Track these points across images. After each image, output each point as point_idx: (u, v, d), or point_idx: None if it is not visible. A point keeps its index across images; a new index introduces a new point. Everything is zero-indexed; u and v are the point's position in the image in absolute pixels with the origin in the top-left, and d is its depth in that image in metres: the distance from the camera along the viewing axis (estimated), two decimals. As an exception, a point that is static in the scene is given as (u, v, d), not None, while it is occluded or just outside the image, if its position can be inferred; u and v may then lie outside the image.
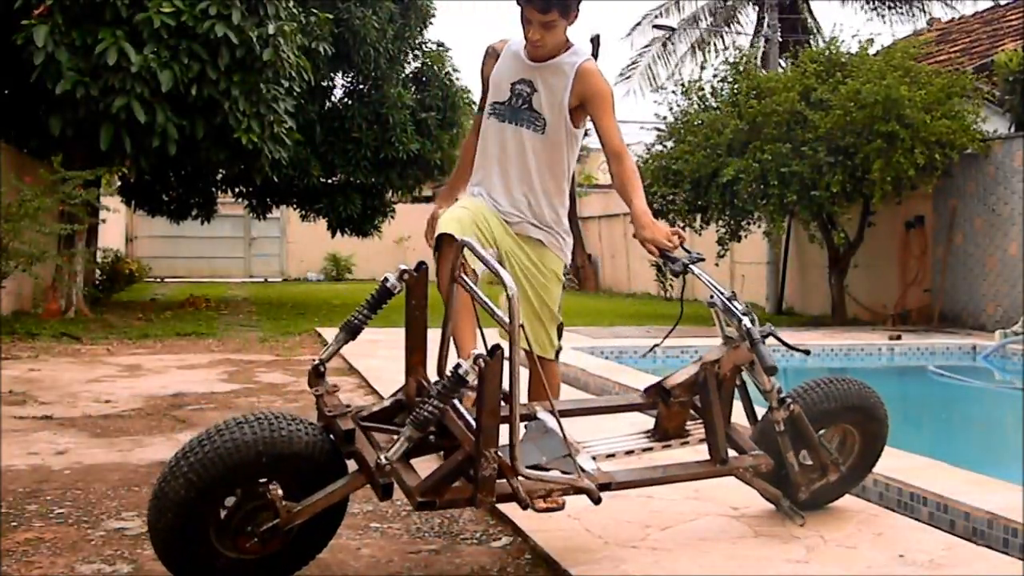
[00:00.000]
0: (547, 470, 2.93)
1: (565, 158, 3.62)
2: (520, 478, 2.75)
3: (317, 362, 3.01)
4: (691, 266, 3.16)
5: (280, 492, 2.67)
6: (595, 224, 23.45)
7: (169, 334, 10.44)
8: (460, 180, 3.80)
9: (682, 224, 12.95)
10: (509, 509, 3.57)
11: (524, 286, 3.55)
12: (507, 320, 2.71)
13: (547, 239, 3.62)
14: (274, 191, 16.43)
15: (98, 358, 8.36)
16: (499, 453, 2.68)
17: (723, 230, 12.77)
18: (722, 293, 3.17)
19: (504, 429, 2.71)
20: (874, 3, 23.28)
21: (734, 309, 3.13)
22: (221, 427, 2.70)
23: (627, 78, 24.75)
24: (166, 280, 23.57)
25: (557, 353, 3.71)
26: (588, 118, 3.60)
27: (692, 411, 3.36)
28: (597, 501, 2.87)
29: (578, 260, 22.06)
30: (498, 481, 2.72)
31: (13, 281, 10.65)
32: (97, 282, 15.09)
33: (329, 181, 16.19)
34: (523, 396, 3.30)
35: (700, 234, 13.26)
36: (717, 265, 14.41)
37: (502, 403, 2.68)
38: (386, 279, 2.98)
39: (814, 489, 3.47)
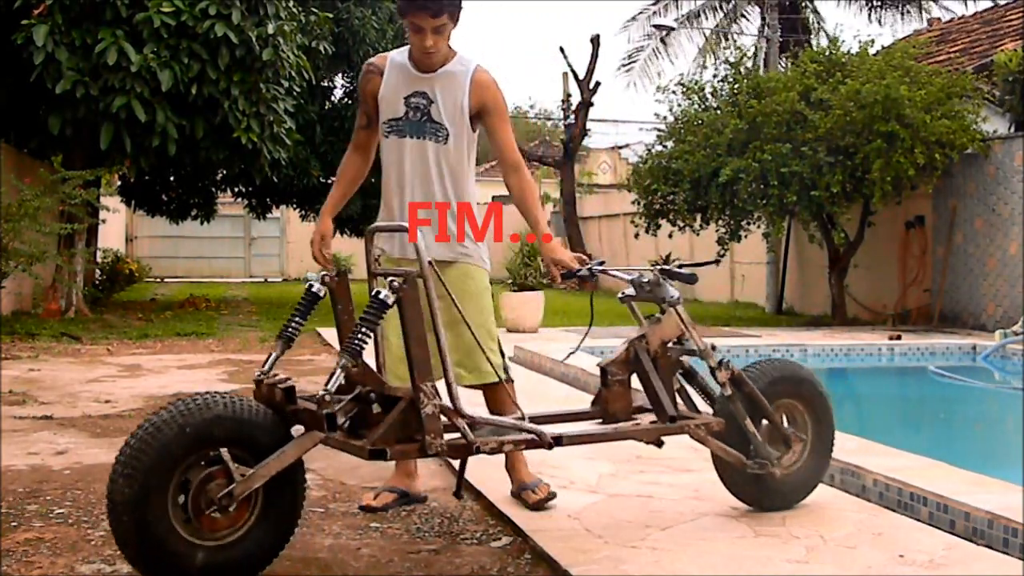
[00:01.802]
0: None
1: (468, 164, 3.62)
2: (466, 423, 2.86)
3: (259, 374, 2.99)
4: (596, 269, 3.41)
5: (228, 455, 2.72)
6: (595, 224, 23.44)
7: (169, 334, 10.44)
8: (339, 197, 3.80)
9: (682, 223, 12.95)
10: (509, 509, 3.58)
11: (451, 321, 3.30)
12: (419, 269, 2.88)
13: (463, 254, 3.60)
14: (274, 191, 16.43)
15: (98, 358, 8.36)
16: (439, 399, 2.79)
17: (723, 230, 12.75)
18: (630, 280, 3.43)
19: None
20: (872, 4, 23.29)
21: (642, 279, 3.40)
22: (142, 423, 2.75)
23: (628, 70, 24.72)
24: (166, 280, 23.56)
25: (506, 370, 3.60)
26: (480, 126, 3.60)
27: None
28: (549, 446, 3.00)
29: (578, 260, 22.02)
30: (448, 438, 2.83)
31: (13, 281, 10.65)
32: (97, 282, 15.09)
33: (329, 181, 16.14)
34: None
35: (699, 234, 13.24)
36: (717, 265, 14.39)
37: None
38: (310, 285, 3.03)
39: (789, 467, 3.55)
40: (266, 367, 2.99)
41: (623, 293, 3.46)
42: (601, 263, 3.44)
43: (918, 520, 3.59)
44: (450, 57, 3.53)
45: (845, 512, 3.59)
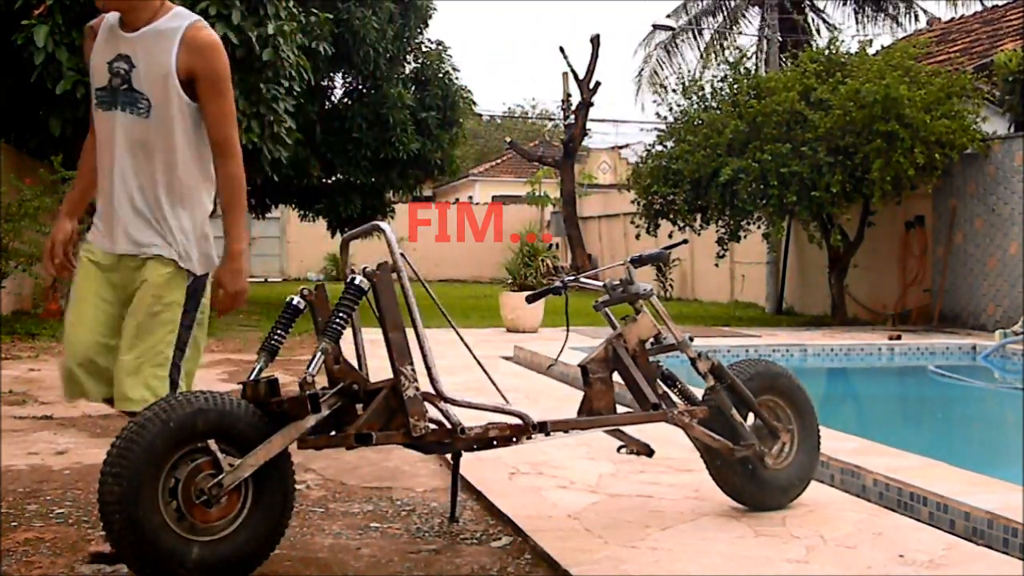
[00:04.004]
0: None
1: (183, 139, 2.94)
2: (450, 408, 2.92)
3: (242, 386, 3.00)
4: (568, 281, 3.57)
5: (215, 446, 2.72)
6: (595, 224, 23.44)
7: (169, 334, 10.41)
8: (80, 192, 3.18)
9: (682, 223, 12.94)
10: (509, 509, 3.58)
11: (128, 320, 2.92)
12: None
13: (157, 247, 2.93)
14: (274, 191, 16.43)
15: (98, 358, 8.34)
16: (419, 387, 2.85)
17: (723, 230, 12.76)
18: (603, 287, 3.59)
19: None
20: (865, 7, 23.33)
21: (613, 283, 3.55)
22: (128, 423, 2.72)
23: (638, 88, 25.05)
24: (166, 280, 23.55)
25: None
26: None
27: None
28: (533, 429, 3.04)
29: (578, 260, 22.06)
30: (432, 427, 2.87)
31: (13, 281, 10.65)
32: (97, 282, 15.07)
33: (329, 181, 16.19)
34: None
35: (699, 234, 13.25)
36: (717, 265, 14.39)
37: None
38: (290, 300, 3.08)
39: (780, 461, 3.61)
40: (251, 379, 2.98)
41: (597, 301, 3.59)
42: (572, 277, 3.56)
43: (918, 520, 3.59)
44: (161, 12, 2.92)
45: (845, 512, 3.59)
